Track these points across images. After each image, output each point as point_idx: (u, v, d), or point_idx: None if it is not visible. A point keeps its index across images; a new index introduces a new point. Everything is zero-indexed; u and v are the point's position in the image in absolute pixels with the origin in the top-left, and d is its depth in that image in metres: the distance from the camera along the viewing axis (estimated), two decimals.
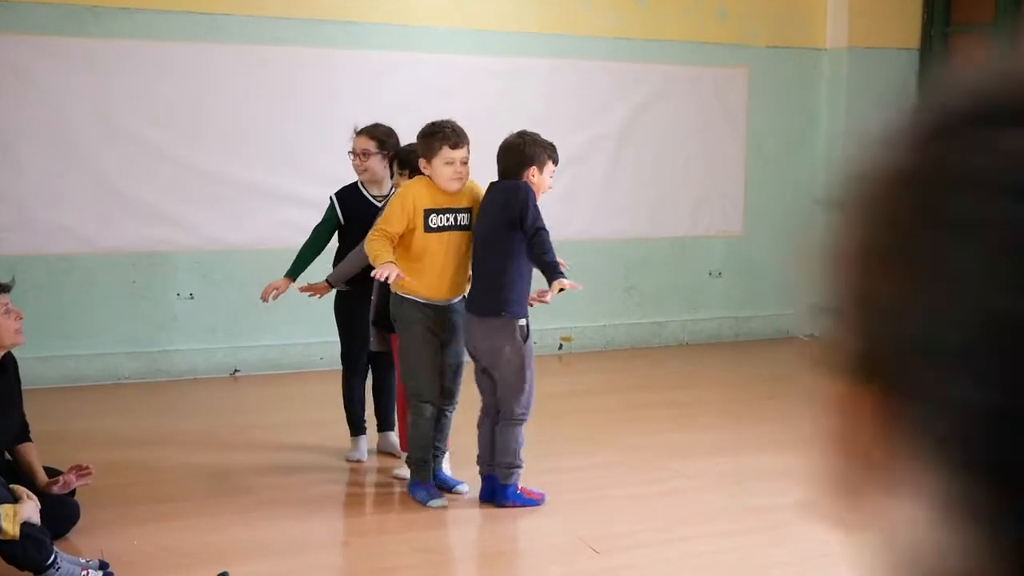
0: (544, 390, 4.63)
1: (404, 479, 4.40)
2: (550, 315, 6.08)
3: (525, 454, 4.26)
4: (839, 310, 0.47)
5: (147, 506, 4.16)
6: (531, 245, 4.09)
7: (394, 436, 4.84)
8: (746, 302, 8.02)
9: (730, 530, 4.04)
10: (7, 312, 3.74)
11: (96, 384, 6.09)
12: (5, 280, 3.82)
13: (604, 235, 7.26)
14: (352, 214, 4.72)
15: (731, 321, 7.97)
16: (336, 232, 4.83)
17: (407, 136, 4.63)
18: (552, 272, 4.03)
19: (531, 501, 4.25)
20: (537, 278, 4.19)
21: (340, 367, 4.98)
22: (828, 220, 0.53)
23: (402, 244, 4.11)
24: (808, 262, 0.53)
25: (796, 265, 0.53)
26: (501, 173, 4.23)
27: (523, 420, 4.22)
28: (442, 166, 4.11)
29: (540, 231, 4.08)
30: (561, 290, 4.03)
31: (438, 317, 4.20)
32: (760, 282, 8.05)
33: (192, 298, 6.45)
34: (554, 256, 4.07)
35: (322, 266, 4.84)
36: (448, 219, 4.16)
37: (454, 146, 4.11)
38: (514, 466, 4.21)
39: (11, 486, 3.49)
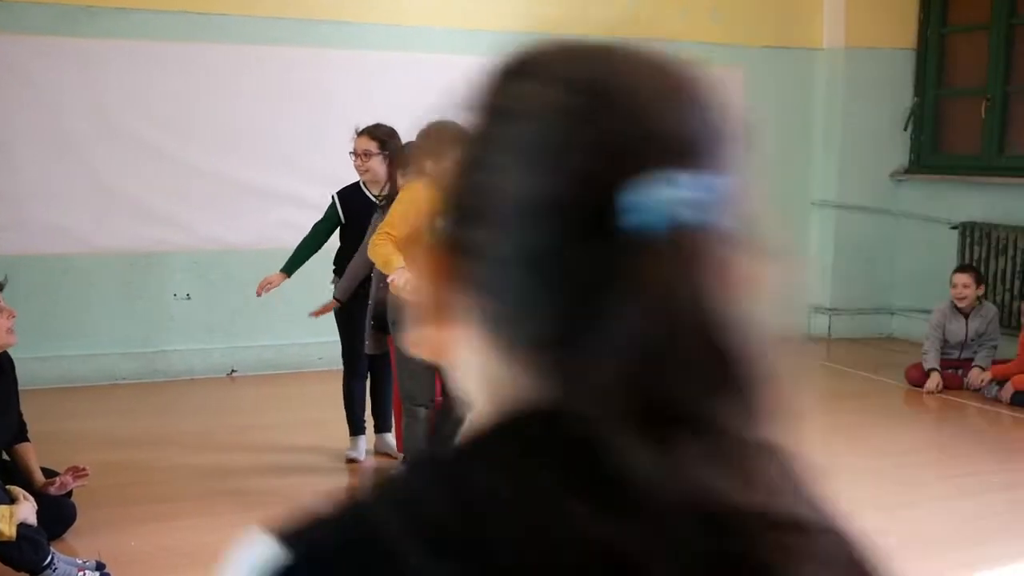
0: None
1: None
2: None
3: None
4: (442, 204, 0.64)
5: (144, 507, 4.15)
6: None
7: (391, 437, 4.85)
8: None
9: None
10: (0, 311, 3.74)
11: (93, 384, 6.08)
12: None
13: None
14: (353, 214, 4.73)
15: None
16: (336, 231, 4.83)
17: (404, 136, 4.63)
18: None
19: None
20: None
21: (337, 367, 4.98)
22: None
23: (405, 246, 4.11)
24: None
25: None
26: None
27: None
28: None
29: None
30: None
31: None
32: None
33: (189, 298, 6.45)
34: None
35: (320, 266, 4.82)
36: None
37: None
38: None
39: (7, 487, 3.49)
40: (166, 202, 6.34)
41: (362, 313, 4.49)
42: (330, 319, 4.89)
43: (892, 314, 8.12)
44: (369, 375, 4.90)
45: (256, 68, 6.43)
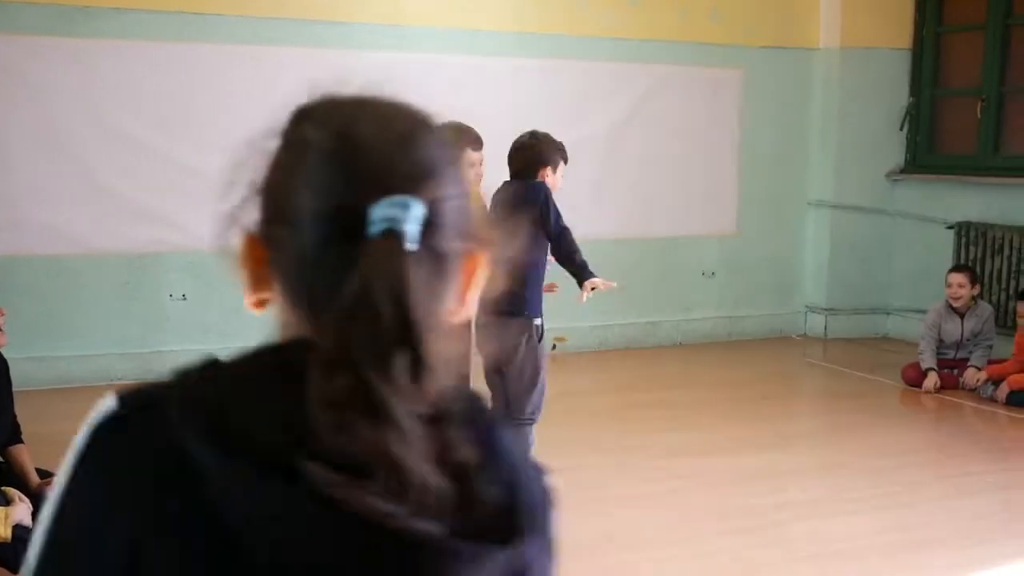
0: None
1: None
2: (544, 315, 6.07)
3: None
4: (259, 207, 0.88)
5: None
6: (559, 246, 4.08)
7: None
8: (739, 302, 8.03)
9: (725, 529, 4.04)
10: None
11: (88, 385, 6.06)
12: None
13: (597, 235, 7.24)
14: None
15: (724, 321, 7.98)
16: None
17: None
18: (584, 272, 4.03)
19: None
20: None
21: None
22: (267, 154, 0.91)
23: None
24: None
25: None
26: (515, 173, 4.21)
27: (533, 420, 4.22)
28: (465, 168, 4.07)
29: (565, 231, 4.09)
30: (593, 289, 4.00)
31: None
32: (753, 282, 8.06)
33: (185, 299, 6.44)
34: (583, 256, 4.06)
35: None
36: None
37: (476, 148, 4.09)
38: None
39: (2, 488, 3.48)
40: (162, 202, 6.33)
41: None
42: None
43: (888, 314, 8.13)
44: None
45: (251, 68, 6.43)
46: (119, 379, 6.26)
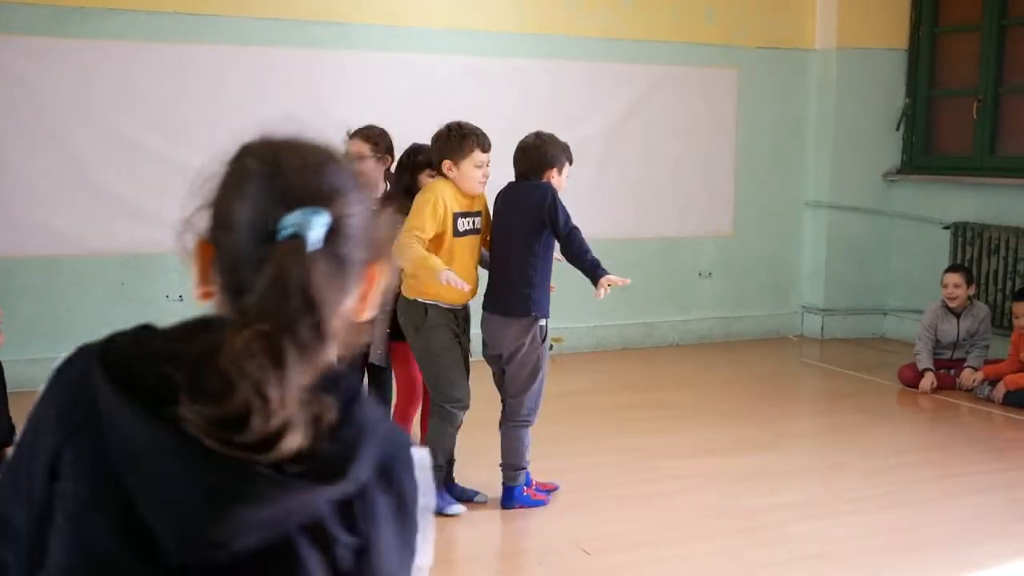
0: None
1: None
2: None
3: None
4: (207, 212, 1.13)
5: None
6: (568, 246, 4.07)
7: None
8: (736, 302, 8.03)
9: (721, 530, 4.03)
10: None
11: None
12: None
13: (593, 235, 7.18)
14: None
15: (721, 321, 7.98)
16: None
17: (398, 136, 4.62)
18: (596, 271, 4.02)
19: (537, 503, 4.26)
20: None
21: None
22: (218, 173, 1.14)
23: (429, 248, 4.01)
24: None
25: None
26: (520, 174, 4.20)
27: (529, 422, 4.22)
28: (472, 169, 4.04)
29: (574, 231, 4.08)
30: (609, 286, 4.00)
31: (458, 321, 4.16)
32: (750, 282, 8.06)
33: (181, 300, 6.43)
34: (594, 255, 4.05)
35: None
36: (470, 223, 4.10)
37: (485, 149, 4.08)
38: (519, 468, 4.22)
39: None
40: (158, 203, 6.31)
41: None
42: None
43: (885, 314, 8.14)
44: (367, 381, 4.82)
45: (247, 68, 6.42)
46: None
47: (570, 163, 4.26)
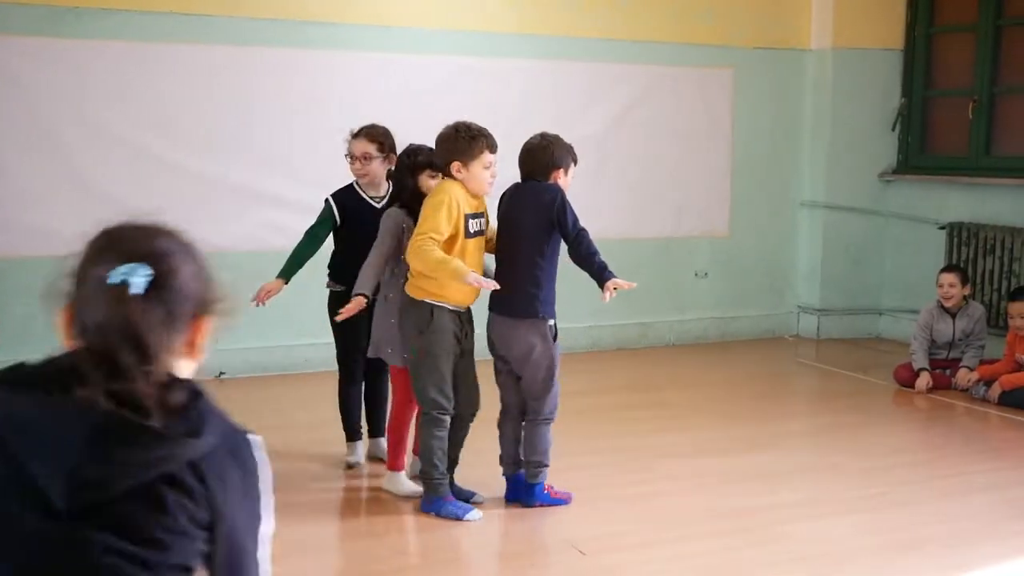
0: None
1: (394, 493, 4.38)
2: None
3: (508, 454, 4.28)
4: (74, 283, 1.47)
5: None
6: (576, 248, 4.06)
7: (384, 442, 4.76)
8: (732, 303, 8.03)
9: (716, 531, 4.03)
10: None
11: None
12: None
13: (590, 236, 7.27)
14: (350, 216, 4.60)
15: (717, 322, 7.99)
16: (331, 234, 4.70)
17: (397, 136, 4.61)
18: (604, 274, 4.00)
19: (558, 501, 4.26)
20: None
21: (324, 368, 4.93)
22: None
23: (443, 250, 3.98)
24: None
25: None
26: (527, 175, 4.19)
27: (551, 419, 4.22)
28: (481, 170, 4.02)
29: (582, 232, 4.07)
30: (615, 289, 3.99)
31: (462, 323, 4.14)
32: (746, 282, 8.07)
33: None
34: (602, 257, 4.04)
35: (308, 268, 4.76)
36: (478, 224, 4.08)
37: (493, 150, 4.06)
38: (542, 465, 4.22)
39: None
40: (152, 204, 6.28)
41: (361, 316, 4.30)
42: (314, 320, 4.85)
43: (880, 314, 8.14)
44: (364, 379, 4.79)
45: (242, 69, 6.41)
46: None
47: (575, 163, 4.26)
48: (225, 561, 1.51)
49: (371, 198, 4.63)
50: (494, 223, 4.24)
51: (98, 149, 6.14)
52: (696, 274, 7.91)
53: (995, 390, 6.05)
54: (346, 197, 4.66)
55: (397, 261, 4.23)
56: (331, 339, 4.78)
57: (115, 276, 1.45)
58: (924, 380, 6.32)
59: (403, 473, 4.41)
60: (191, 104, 6.31)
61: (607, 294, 3.99)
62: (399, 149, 4.51)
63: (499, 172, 4.15)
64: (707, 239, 7.91)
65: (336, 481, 4.63)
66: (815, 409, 6.39)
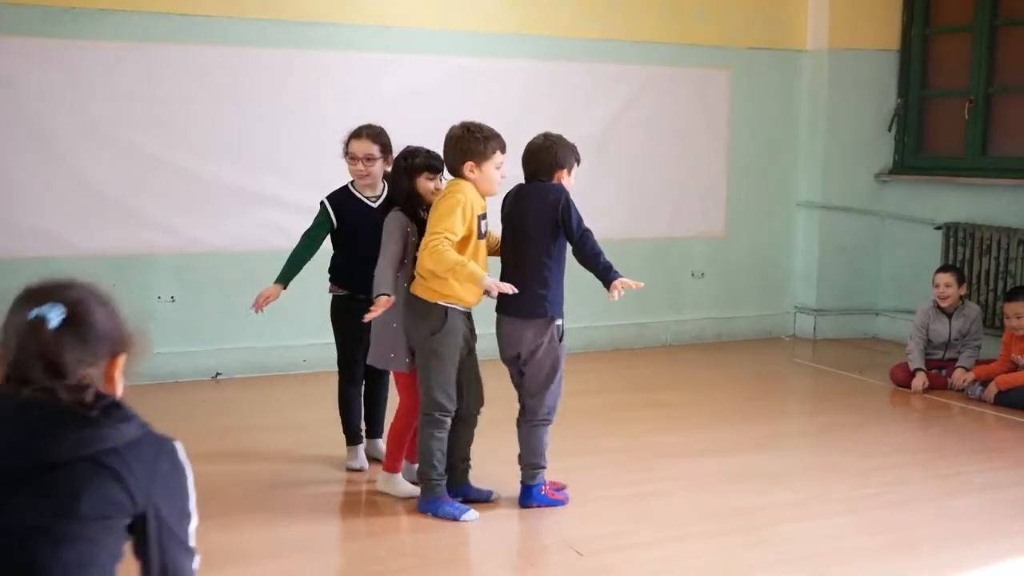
0: None
1: (388, 492, 4.39)
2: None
3: (521, 454, 4.29)
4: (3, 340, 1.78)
5: None
6: (581, 248, 4.05)
7: (382, 443, 4.74)
8: (728, 303, 8.04)
9: (714, 531, 4.04)
10: None
11: None
12: None
13: None
14: (347, 218, 4.56)
15: (713, 322, 7.99)
16: (328, 237, 4.65)
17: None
18: (609, 274, 4.00)
19: (556, 502, 4.26)
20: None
21: (322, 369, 4.92)
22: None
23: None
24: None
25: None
26: (530, 175, 4.18)
27: (549, 421, 4.23)
28: (493, 170, 4.02)
29: (587, 232, 4.06)
30: (622, 289, 3.98)
31: (470, 324, 4.15)
32: (742, 283, 8.07)
33: (173, 301, 6.42)
34: (607, 257, 4.04)
35: (311, 268, 4.73)
36: (485, 225, 4.07)
37: (504, 151, 4.06)
38: (539, 467, 4.22)
39: None
40: (150, 204, 6.31)
41: (360, 316, 4.25)
42: (311, 320, 4.85)
43: (877, 314, 8.15)
44: (364, 381, 4.76)
45: (240, 70, 6.41)
46: None
47: (578, 163, 4.26)
48: (157, 550, 1.75)
49: (367, 199, 4.59)
50: (495, 224, 4.24)
51: (93, 150, 6.14)
52: (693, 274, 7.91)
53: (991, 390, 6.06)
54: (342, 199, 4.62)
55: (401, 265, 4.20)
56: (329, 339, 4.78)
57: (33, 313, 1.72)
58: (920, 380, 6.33)
59: (400, 475, 4.40)
60: (186, 104, 6.31)
61: (615, 293, 3.99)
62: (395, 150, 4.49)
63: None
64: (704, 239, 7.92)
65: (334, 482, 4.62)
66: (812, 409, 6.40)
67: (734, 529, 4.05)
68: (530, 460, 4.21)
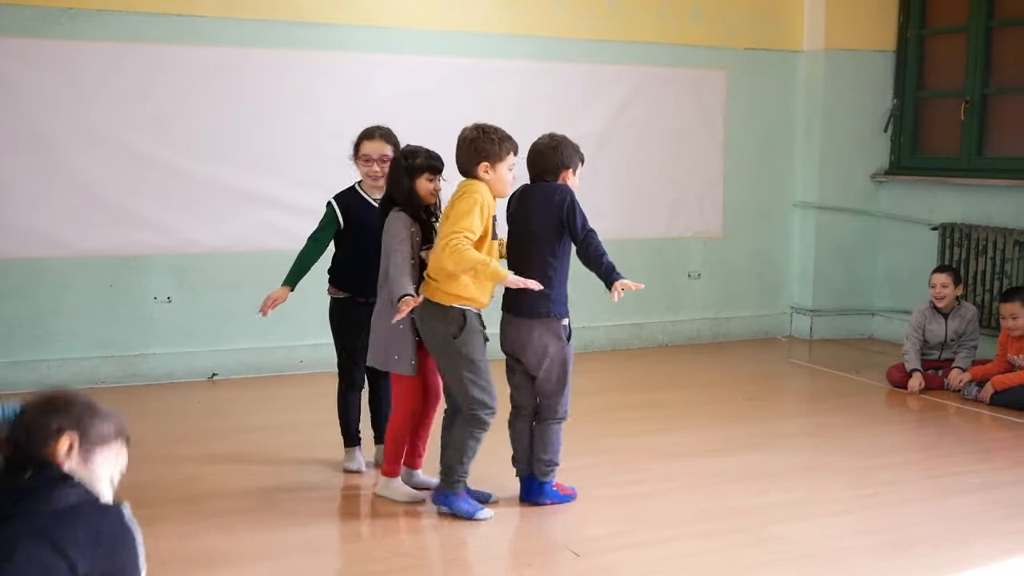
0: None
1: (388, 497, 4.38)
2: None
3: (522, 454, 4.30)
4: None
5: None
6: (585, 249, 4.06)
7: None
8: (725, 303, 8.05)
9: (710, 531, 4.04)
10: None
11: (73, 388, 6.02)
12: None
13: None
14: (354, 219, 4.53)
15: (710, 322, 8.00)
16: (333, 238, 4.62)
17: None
18: (611, 275, 4.01)
19: (567, 497, 4.29)
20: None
21: (320, 370, 4.91)
22: None
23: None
24: None
25: None
26: (536, 176, 4.18)
27: (564, 418, 4.24)
28: (506, 171, 4.01)
29: (591, 233, 4.07)
30: (623, 290, 3.98)
31: (483, 324, 4.14)
32: (739, 283, 8.08)
33: (170, 301, 6.41)
34: (610, 258, 4.04)
35: (311, 271, 4.72)
36: (495, 225, 4.09)
37: (517, 152, 4.06)
38: (553, 464, 4.24)
39: None
40: (147, 205, 6.31)
41: (363, 321, 4.25)
42: (309, 321, 4.84)
43: (873, 315, 8.16)
44: (367, 385, 4.72)
45: (236, 70, 6.41)
46: (103, 382, 6.24)
47: (582, 163, 4.27)
48: None
49: (374, 200, 4.52)
50: (500, 225, 4.24)
51: (90, 150, 6.14)
52: (689, 275, 7.92)
53: (987, 390, 6.07)
54: (349, 200, 4.58)
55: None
56: (326, 340, 4.76)
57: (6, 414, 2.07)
58: (916, 381, 6.34)
59: (399, 479, 4.39)
60: (184, 105, 6.31)
61: (615, 294, 4.00)
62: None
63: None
64: (700, 240, 7.93)
65: (332, 483, 4.62)
66: (808, 409, 6.40)
67: (731, 529, 4.06)
68: (545, 457, 4.23)
